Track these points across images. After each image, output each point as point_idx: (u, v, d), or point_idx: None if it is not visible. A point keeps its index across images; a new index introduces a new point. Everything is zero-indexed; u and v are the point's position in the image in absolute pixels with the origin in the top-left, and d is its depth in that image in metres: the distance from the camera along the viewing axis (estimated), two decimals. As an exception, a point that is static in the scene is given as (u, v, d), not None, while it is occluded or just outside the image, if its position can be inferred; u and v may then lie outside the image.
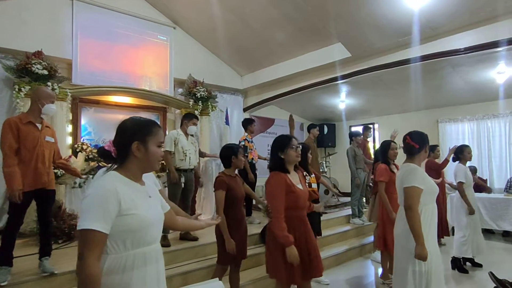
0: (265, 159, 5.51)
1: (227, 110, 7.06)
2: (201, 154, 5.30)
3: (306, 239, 2.21)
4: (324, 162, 7.46)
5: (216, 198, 2.63)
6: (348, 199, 6.40)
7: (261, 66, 6.83)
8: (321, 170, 7.01)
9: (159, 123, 6.26)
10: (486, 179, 6.64)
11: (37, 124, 2.89)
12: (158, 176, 5.01)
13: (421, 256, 2.06)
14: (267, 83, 6.89)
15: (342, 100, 7.42)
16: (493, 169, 6.84)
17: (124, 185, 1.24)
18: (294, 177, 2.27)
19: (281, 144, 2.27)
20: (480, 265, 4.19)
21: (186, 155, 3.98)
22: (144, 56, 6.03)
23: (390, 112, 8.10)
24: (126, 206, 1.19)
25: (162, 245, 3.80)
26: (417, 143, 2.32)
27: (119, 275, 1.18)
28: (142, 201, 1.27)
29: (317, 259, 2.23)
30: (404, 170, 2.29)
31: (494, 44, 4.25)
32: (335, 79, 5.78)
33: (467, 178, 4.04)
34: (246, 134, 5.41)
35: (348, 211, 6.04)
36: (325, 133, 8.88)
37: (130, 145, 1.29)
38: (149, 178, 1.67)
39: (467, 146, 4.25)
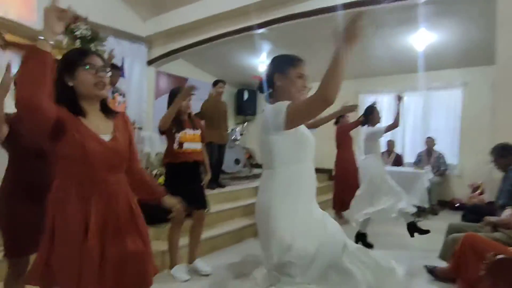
0: None
1: (123, 60, 5.79)
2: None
3: (116, 222, 1.26)
4: (237, 129, 6.65)
5: None
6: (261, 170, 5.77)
7: (168, 7, 5.64)
8: (232, 137, 6.27)
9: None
10: (401, 155, 6.53)
11: None
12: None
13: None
14: (175, 30, 5.74)
15: (261, 61, 6.60)
16: (406, 144, 6.83)
17: None
18: (95, 121, 1.30)
19: (70, 62, 1.28)
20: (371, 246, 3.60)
21: None
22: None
23: (313, 80, 7.59)
24: None
25: None
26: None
27: None
28: None
29: (140, 264, 1.30)
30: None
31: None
32: (249, 28, 4.90)
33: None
34: None
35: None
36: (244, 99, 8.05)
37: None
38: None
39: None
